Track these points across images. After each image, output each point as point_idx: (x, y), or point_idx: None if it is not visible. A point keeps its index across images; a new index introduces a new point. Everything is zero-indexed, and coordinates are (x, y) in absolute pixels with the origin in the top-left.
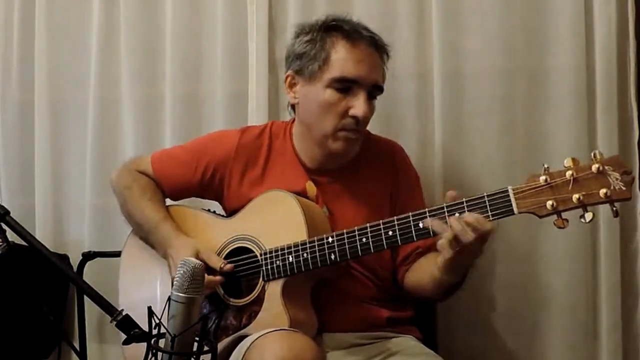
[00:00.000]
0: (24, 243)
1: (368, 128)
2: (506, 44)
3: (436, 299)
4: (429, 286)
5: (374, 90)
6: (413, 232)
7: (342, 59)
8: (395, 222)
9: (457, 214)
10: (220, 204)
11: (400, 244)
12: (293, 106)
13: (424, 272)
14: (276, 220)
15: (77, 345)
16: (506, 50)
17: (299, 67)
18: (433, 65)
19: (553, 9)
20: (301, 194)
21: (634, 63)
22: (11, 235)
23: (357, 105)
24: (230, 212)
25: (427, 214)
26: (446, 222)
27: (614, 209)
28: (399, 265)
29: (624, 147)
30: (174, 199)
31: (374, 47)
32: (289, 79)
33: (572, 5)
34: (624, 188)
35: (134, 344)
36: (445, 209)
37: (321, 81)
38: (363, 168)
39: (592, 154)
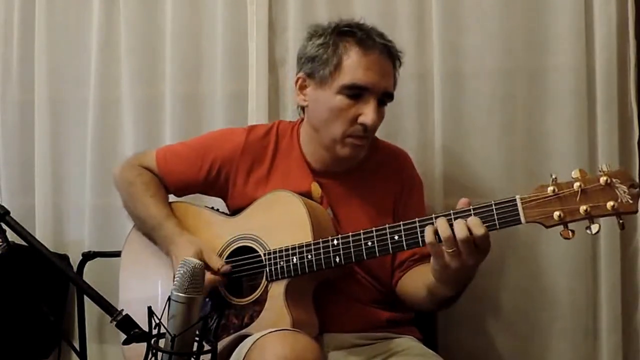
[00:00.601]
0: (24, 243)
1: None
2: (506, 44)
3: (428, 309)
4: (422, 295)
5: (384, 97)
6: (419, 237)
7: (353, 65)
8: (402, 227)
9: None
10: (225, 201)
11: (406, 248)
12: (303, 107)
13: (419, 280)
14: (281, 221)
15: (77, 345)
16: (506, 50)
17: (310, 70)
18: (433, 65)
19: (553, 9)
20: (306, 194)
21: (634, 63)
22: (11, 235)
23: (367, 112)
24: (234, 211)
25: (434, 220)
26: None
27: (620, 221)
28: (394, 270)
29: (624, 147)
30: (177, 195)
31: (387, 54)
32: (299, 81)
33: (572, 5)
34: (631, 201)
35: (134, 344)
36: (452, 215)
37: (332, 87)
38: (368, 172)
39: (600, 167)
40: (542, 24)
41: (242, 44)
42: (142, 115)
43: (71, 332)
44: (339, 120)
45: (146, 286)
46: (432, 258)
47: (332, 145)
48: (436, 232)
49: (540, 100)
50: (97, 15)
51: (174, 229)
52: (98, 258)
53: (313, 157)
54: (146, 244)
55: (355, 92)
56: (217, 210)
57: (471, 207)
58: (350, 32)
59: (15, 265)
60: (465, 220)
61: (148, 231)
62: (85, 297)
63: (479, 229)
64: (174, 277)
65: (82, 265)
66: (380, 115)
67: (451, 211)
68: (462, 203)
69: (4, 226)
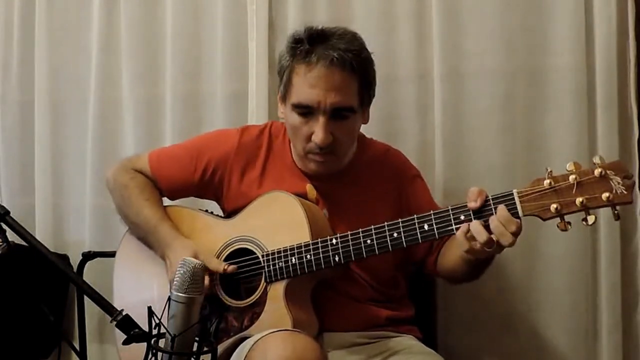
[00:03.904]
0: (24, 243)
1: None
2: (506, 44)
3: (471, 279)
4: (462, 269)
5: (339, 112)
6: (418, 233)
7: (299, 83)
8: (400, 224)
9: (462, 217)
10: (219, 204)
11: (405, 245)
12: None
13: (454, 256)
14: (278, 221)
15: (77, 345)
16: (506, 51)
17: (279, 86)
18: (433, 65)
19: (553, 9)
20: (301, 196)
21: (634, 63)
22: (11, 235)
23: (316, 131)
24: (229, 213)
25: (432, 216)
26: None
27: (616, 212)
28: (426, 256)
29: (624, 147)
30: (171, 198)
31: (337, 66)
32: (279, 94)
33: (572, 5)
34: (625, 192)
35: (131, 345)
36: (450, 212)
37: (288, 104)
38: (360, 173)
39: (594, 159)
40: (542, 24)
41: (242, 44)
42: (142, 115)
43: (71, 332)
44: (298, 137)
45: (140, 292)
46: (465, 252)
47: (301, 159)
48: (467, 231)
49: (540, 100)
50: (97, 16)
51: (168, 233)
52: (98, 258)
53: (300, 163)
54: (140, 249)
55: (303, 111)
56: (212, 213)
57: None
58: (298, 47)
59: (15, 265)
60: (499, 219)
61: (142, 235)
62: (85, 297)
63: (511, 225)
64: (171, 282)
65: (82, 265)
66: (339, 130)
67: (449, 207)
68: (472, 192)
69: (4, 226)
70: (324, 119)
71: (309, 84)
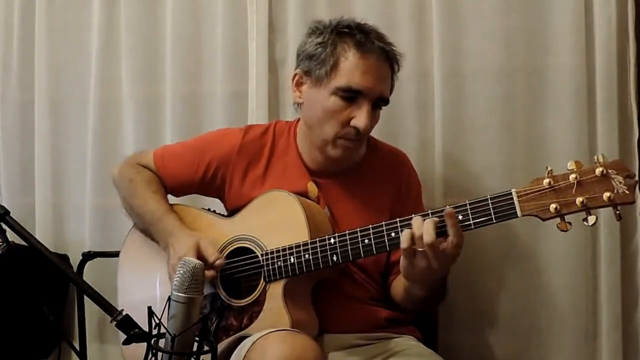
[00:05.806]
0: (24, 243)
1: None
2: (506, 44)
3: (413, 309)
4: (402, 295)
5: (379, 101)
6: None
7: (350, 68)
8: (398, 224)
9: (460, 217)
10: (222, 202)
11: None
12: (299, 104)
13: (400, 282)
14: (277, 221)
15: (77, 345)
16: (506, 50)
17: (308, 68)
18: (433, 65)
19: (553, 9)
20: (302, 194)
21: (634, 63)
22: (11, 235)
23: (360, 116)
24: (231, 211)
25: (430, 215)
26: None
27: (617, 212)
28: (388, 273)
29: (624, 147)
30: (175, 195)
31: (384, 58)
32: (296, 78)
33: (572, 5)
34: (627, 192)
35: (133, 345)
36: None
37: (327, 87)
38: (366, 173)
39: (596, 158)
40: (542, 24)
41: (242, 44)
42: (142, 115)
43: (71, 332)
44: (332, 122)
45: (144, 289)
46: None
47: (324, 146)
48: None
49: (540, 100)
50: (97, 16)
51: (173, 223)
52: (98, 258)
53: (309, 156)
54: (144, 246)
55: (349, 95)
56: (214, 211)
57: (467, 202)
58: (349, 33)
59: (15, 265)
60: (425, 224)
61: (147, 226)
62: (85, 297)
63: (428, 236)
64: (173, 267)
65: (82, 265)
66: (374, 119)
67: (447, 207)
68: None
69: (4, 226)
70: (368, 106)
71: (362, 70)
